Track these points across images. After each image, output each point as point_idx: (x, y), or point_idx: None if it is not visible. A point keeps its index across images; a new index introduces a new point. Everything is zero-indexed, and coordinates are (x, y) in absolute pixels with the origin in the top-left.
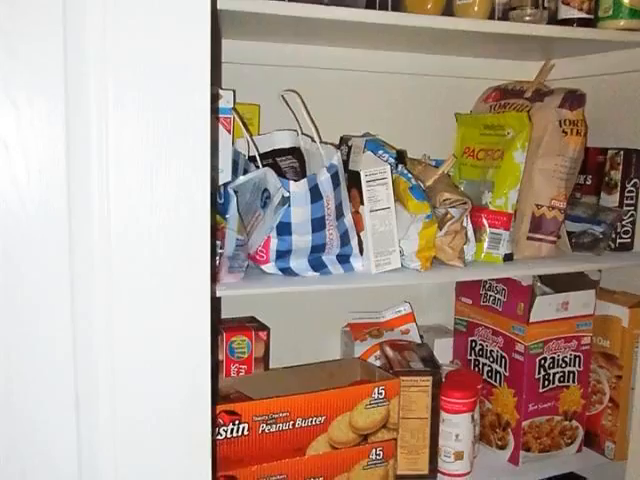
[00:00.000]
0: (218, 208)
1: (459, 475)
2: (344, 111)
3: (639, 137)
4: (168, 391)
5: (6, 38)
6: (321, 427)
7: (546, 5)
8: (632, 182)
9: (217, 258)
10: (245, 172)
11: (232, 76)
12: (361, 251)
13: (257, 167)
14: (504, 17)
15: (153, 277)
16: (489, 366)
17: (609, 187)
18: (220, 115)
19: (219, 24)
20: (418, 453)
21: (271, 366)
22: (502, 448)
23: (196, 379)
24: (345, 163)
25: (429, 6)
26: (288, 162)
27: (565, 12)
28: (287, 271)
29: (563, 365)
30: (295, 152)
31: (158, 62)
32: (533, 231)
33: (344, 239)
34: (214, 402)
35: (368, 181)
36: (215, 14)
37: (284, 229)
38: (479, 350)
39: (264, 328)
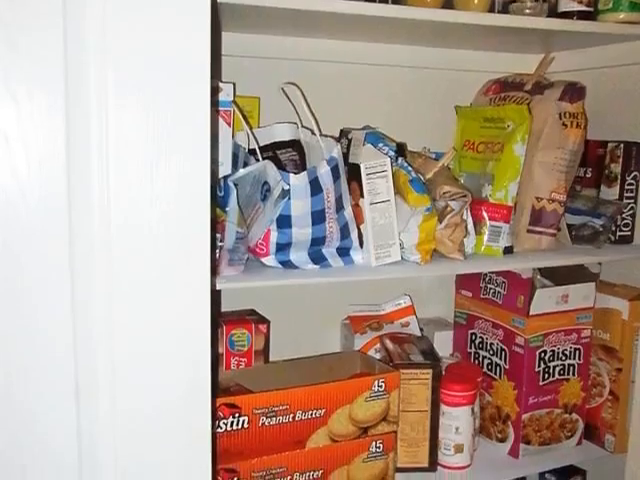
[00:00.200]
0: (218, 201)
1: (459, 468)
2: (344, 104)
3: (639, 130)
4: (168, 384)
5: (6, 30)
6: (321, 420)
7: None
8: (632, 175)
9: (217, 251)
10: (245, 165)
11: (232, 69)
12: (361, 244)
13: (257, 160)
14: (504, 10)
15: (153, 270)
16: (489, 359)
17: (609, 180)
18: (220, 108)
19: (219, 17)
20: (418, 446)
21: (271, 359)
22: (502, 441)
23: (196, 372)
24: (345, 156)
25: None
26: (288, 155)
27: (565, 5)
28: (287, 264)
29: (563, 358)
30: (295, 145)
31: (158, 55)
32: (533, 224)
33: (344, 232)
34: (214, 395)
35: (368, 174)
36: (215, 6)
37: (284, 222)
38: (479, 343)
39: (264, 321)
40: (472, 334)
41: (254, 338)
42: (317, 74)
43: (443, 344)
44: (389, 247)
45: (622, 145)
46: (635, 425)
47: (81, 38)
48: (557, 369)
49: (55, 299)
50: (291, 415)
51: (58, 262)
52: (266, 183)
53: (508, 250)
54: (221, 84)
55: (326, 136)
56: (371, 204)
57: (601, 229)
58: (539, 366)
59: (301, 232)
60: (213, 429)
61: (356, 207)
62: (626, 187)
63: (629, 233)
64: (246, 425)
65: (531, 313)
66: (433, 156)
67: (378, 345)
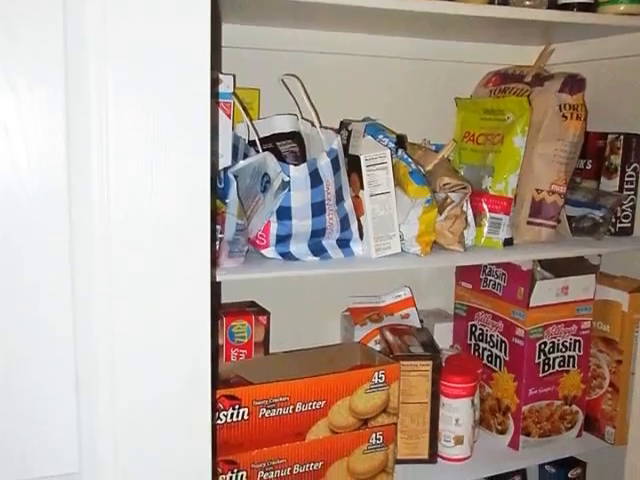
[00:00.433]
0: (218, 193)
1: (459, 459)
2: (344, 95)
3: (639, 121)
4: (168, 375)
5: (6, 23)
6: (321, 412)
7: None
8: (632, 166)
9: (217, 243)
10: (245, 157)
11: (232, 60)
12: (361, 235)
13: (257, 151)
14: (504, 2)
15: (153, 261)
16: (489, 351)
17: (609, 172)
18: (220, 100)
19: (219, 8)
20: (418, 438)
21: (271, 351)
22: (502, 433)
23: (196, 363)
24: (345, 148)
25: None
26: (288, 146)
27: None
28: (287, 256)
29: (563, 350)
30: (295, 136)
31: (158, 46)
32: (533, 216)
33: (344, 223)
34: (214, 387)
35: (368, 166)
36: None
37: (284, 213)
38: (479, 335)
39: (264, 312)
40: (472, 326)
41: (254, 330)
42: (317, 66)
43: (443, 336)
44: (389, 239)
45: (622, 137)
46: (635, 417)
47: (81, 31)
48: (557, 361)
49: (55, 291)
50: (291, 407)
51: (58, 254)
52: (266, 175)
53: (508, 242)
54: (221, 76)
55: (326, 128)
56: (371, 196)
57: (601, 221)
58: (539, 358)
59: (301, 224)
60: (213, 421)
61: (356, 199)
62: (626, 179)
63: (629, 225)
64: (246, 417)
65: (531, 305)
66: (433, 148)
67: (378, 337)
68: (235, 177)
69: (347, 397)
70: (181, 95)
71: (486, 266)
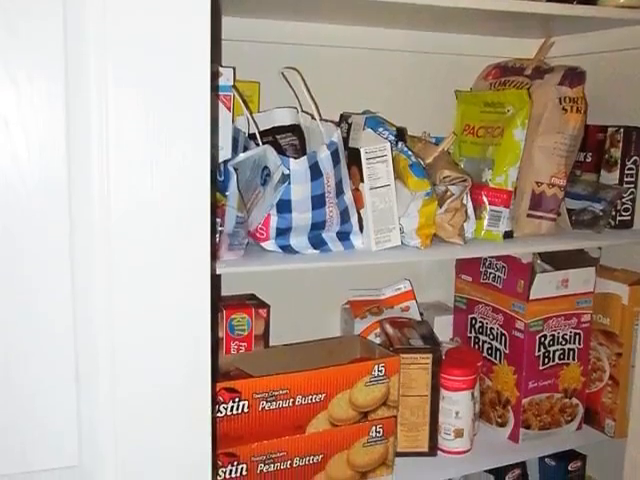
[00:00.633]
0: (218, 185)
1: (459, 452)
2: (344, 88)
3: (639, 114)
4: (168, 368)
5: (6, 16)
6: (321, 404)
7: None
8: (632, 159)
9: (217, 235)
10: (245, 149)
11: (232, 53)
12: (361, 228)
13: (257, 144)
14: None
15: (153, 254)
16: (489, 343)
17: (609, 165)
18: (220, 93)
19: (219, 1)
20: (418, 430)
21: (271, 343)
22: (502, 425)
23: (196, 356)
24: (345, 140)
25: None
26: (288, 139)
27: None
28: (287, 248)
29: (563, 342)
30: (295, 129)
31: (158, 39)
32: (533, 208)
33: (344, 216)
34: (214, 379)
35: (368, 158)
36: None
37: (284, 206)
38: (479, 327)
39: (264, 305)
40: (472, 319)
41: (254, 322)
42: (317, 59)
43: (443, 329)
44: (389, 232)
45: (622, 130)
46: (635, 410)
47: (81, 24)
48: (557, 354)
49: (55, 283)
50: (291, 400)
51: (58, 247)
52: (266, 168)
53: (508, 235)
54: (221, 69)
55: (326, 121)
56: (371, 189)
57: (601, 214)
58: (539, 351)
59: (301, 217)
60: (213, 413)
61: (356, 192)
62: (626, 172)
63: (629, 218)
64: (246, 409)
65: (531, 298)
66: (433, 141)
67: (378, 330)
68: (235, 170)
69: (347, 390)
70: (181, 88)
71: (486, 259)
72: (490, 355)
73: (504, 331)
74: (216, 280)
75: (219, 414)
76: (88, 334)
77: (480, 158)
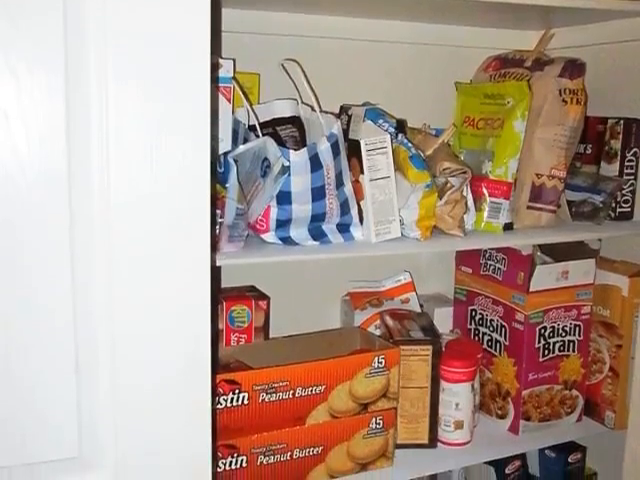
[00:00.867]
0: (218, 177)
1: (459, 444)
2: (344, 80)
3: (639, 106)
4: (168, 360)
5: (7, 8)
6: (321, 396)
7: None
8: (632, 151)
9: (217, 227)
10: (245, 141)
11: (232, 45)
12: (361, 220)
13: (257, 136)
14: None
15: (153, 246)
16: (489, 335)
17: (609, 156)
18: (220, 84)
19: None
20: (418, 422)
21: (271, 335)
22: (502, 417)
23: (196, 348)
24: (345, 132)
25: None
26: (288, 131)
27: None
28: (287, 240)
29: (563, 334)
30: (295, 121)
31: (158, 31)
32: (533, 200)
33: (344, 208)
34: (214, 371)
35: (368, 150)
36: None
37: (284, 198)
38: (479, 319)
39: (264, 297)
40: (472, 310)
41: (254, 314)
42: (317, 50)
43: (443, 320)
44: (389, 223)
45: (622, 121)
46: (635, 401)
47: (81, 17)
48: (557, 345)
49: (55, 276)
50: (291, 391)
51: (58, 239)
52: (266, 159)
53: (508, 226)
54: (221, 60)
55: (326, 112)
56: (371, 180)
57: (601, 205)
58: (539, 342)
59: (301, 208)
60: (213, 405)
61: (356, 183)
62: (626, 163)
63: (629, 209)
64: (246, 401)
65: (531, 289)
66: (433, 132)
67: (378, 321)
68: (235, 162)
69: (347, 382)
70: (181, 80)
71: (486, 251)
72: (490, 347)
73: (504, 323)
74: (216, 272)
75: (219, 406)
76: (88, 326)
77: (480, 150)
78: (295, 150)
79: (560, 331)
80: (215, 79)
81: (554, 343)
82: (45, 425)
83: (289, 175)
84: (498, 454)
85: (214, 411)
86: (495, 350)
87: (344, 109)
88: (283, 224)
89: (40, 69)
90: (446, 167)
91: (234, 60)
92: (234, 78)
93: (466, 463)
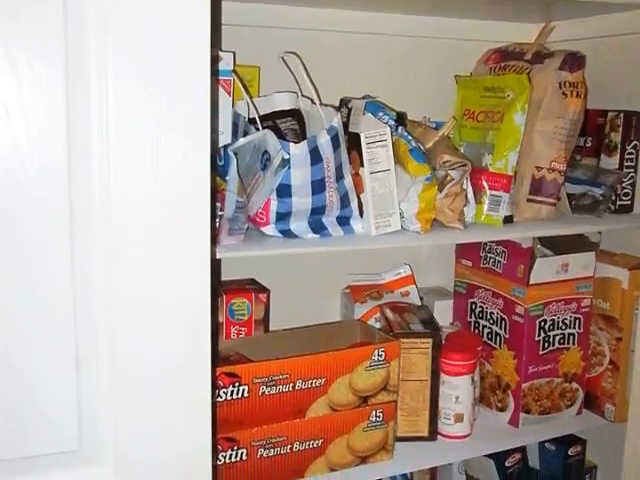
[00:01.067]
0: (218, 170)
1: (459, 437)
2: (344, 73)
3: (639, 99)
4: (168, 353)
5: (6, 1)
6: (321, 389)
7: None
8: (632, 144)
9: (217, 220)
10: (245, 134)
11: (232, 38)
12: (361, 213)
13: (257, 129)
14: None
15: (153, 239)
16: (489, 328)
17: (609, 149)
18: (220, 77)
19: None
20: (418, 415)
21: (271, 328)
22: (502, 410)
23: (196, 341)
24: (345, 125)
25: None
26: (288, 124)
27: None
28: (287, 233)
29: (563, 327)
30: (295, 114)
31: (158, 24)
32: (533, 193)
33: (344, 201)
34: (214, 364)
35: (368, 143)
36: None
37: (284, 191)
38: (479, 312)
39: (264, 290)
40: (472, 303)
41: (254, 307)
42: (317, 43)
43: (443, 313)
44: (389, 216)
45: (622, 114)
46: (635, 394)
47: (81, 10)
48: (557, 338)
49: (55, 270)
50: (291, 384)
51: (58, 232)
52: (266, 152)
53: (508, 219)
54: (221, 53)
55: (326, 105)
56: (371, 173)
57: (601, 198)
58: (539, 335)
59: (301, 201)
60: (213, 398)
61: (356, 176)
62: (626, 156)
63: (629, 202)
64: (246, 394)
65: (531, 282)
66: (433, 125)
67: (378, 314)
68: (235, 154)
69: (347, 375)
70: (181, 73)
71: (486, 243)
72: (490, 340)
73: (504, 316)
74: (216, 265)
75: (219, 399)
76: (88, 320)
77: (480, 143)
78: (295, 143)
79: (560, 324)
80: (215, 72)
81: (554, 336)
82: (45, 418)
83: (289, 168)
84: (498, 447)
85: (214, 404)
86: (495, 343)
87: (344, 102)
88: (283, 217)
89: (40, 62)
90: (446, 160)
91: (234, 53)
92: (234, 71)
93: (466, 456)
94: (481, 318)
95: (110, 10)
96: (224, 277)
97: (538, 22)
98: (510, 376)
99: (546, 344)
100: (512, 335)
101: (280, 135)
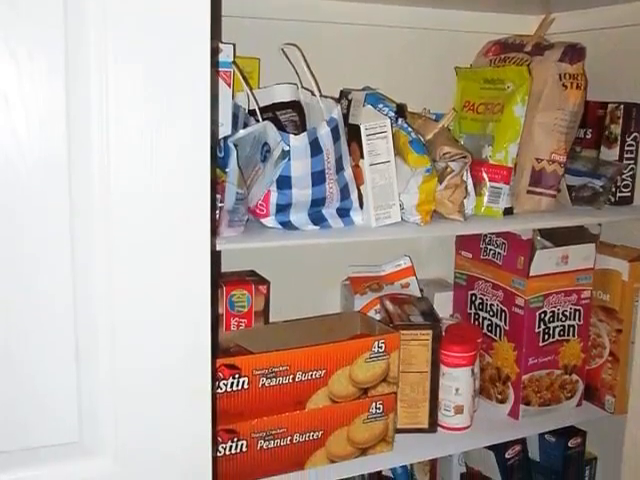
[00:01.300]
0: (218, 162)
1: (459, 429)
2: (344, 65)
3: (639, 91)
4: (168, 344)
5: None
6: (321, 381)
7: None
8: (632, 136)
9: (217, 212)
10: (245, 126)
11: (232, 30)
12: (361, 205)
13: (257, 121)
14: None
15: (153, 230)
16: (489, 320)
17: (609, 141)
18: (220, 69)
19: None
20: (418, 407)
21: (271, 320)
22: (502, 402)
23: (196, 332)
24: (345, 117)
25: None
26: (288, 116)
27: None
28: (287, 225)
29: (563, 319)
30: (295, 106)
31: (158, 15)
32: (533, 185)
33: (344, 193)
34: (214, 356)
35: (368, 135)
36: None
37: (284, 183)
38: (479, 304)
39: (264, 282)
40: (472, 295)
41: (254, 299)
42: (317, 35)
43: (443, 305)
44: (389, 208)
45: (622, 106)
46: (635, 386)
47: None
48: (557, 330)
49: (55, 262)
50: (291, 376)
51: (58, 223)
52: (266, 144)
53: (508, 211)
54: (221, 45)
55: (326, 97)
56: (371, 165)
57: (601, 190)
58: (539, 327)
59: (301, 193)
60: (213, 390)
61: (356, 168)
62: (626, 148)
63: (629, 194)
64: (246, 386)
65: (531, 274)
66: (433, 117)
67: (378, 306)
68: (235, 146)
69: (347, 366)
70: (181, 64)
71: (486, 235)
72: (490, 331)
73: (504, 307)
74: (216, 256)
75: (219, 390)
76: (88, 312)
77: (480, 134)
78: (295, 135)
79: (560, 316)
80: (215, 64)
81: (554, 328)
82: (45, 410)
83: (289, 160)
84: (498, 439)
85: (214, 396)
86: (495, 335)
87: (344, 94)
88: (283, 209)
89: (40, 52)
90: (446, 152)
91: (234, 45)
92: (234, 63)
93: (466, 448)
94: (481, 310)
95: (110, 0)
96: (224, 269)
97: (538, 14)
98: (510, 368)
99: (546, 336)
100: (512, 327)
101: (280, 127)
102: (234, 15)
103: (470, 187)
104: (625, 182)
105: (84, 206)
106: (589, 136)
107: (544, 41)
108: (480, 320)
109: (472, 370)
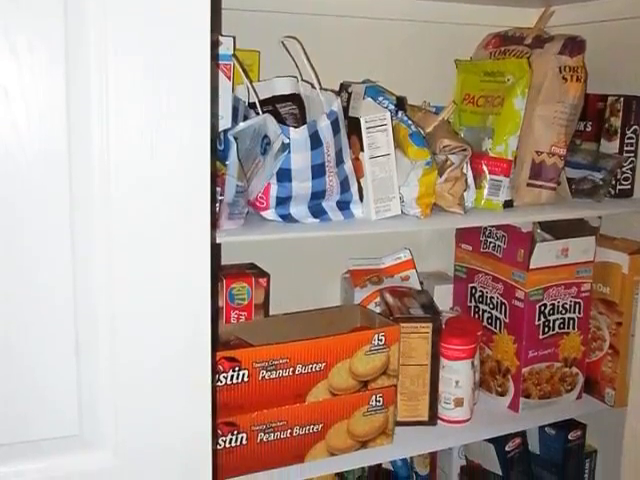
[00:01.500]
0: (218, 154)
1: (459, 421)
2: (344, 58)
3: (639, 83)
4: (168, 337)
5: None
6: (321, 374)
7: None
8: (632, 129)
9: (217, 205)
10: (245, 118)
11: (232, 22)
12: (361, 198)
13: (257, 113)
14: None
15: (153, 223)
16: (489, 313)
17: (609, 134)
18: (220, 62)
19: None
20: (418, 400)
21: (271, 313)
22: (502, 395)
23: (196, 325)
24: (345, 110)
25: None
26: (288, 109)
27: None
28: (287, 218)
29: (563, 312)
30: (295, 99)
31: (158, 8)
32: (533, 178)
33: (344, 186)
34: (214, 348)
35: (368, 128)
36: None
37: (284, 176)
38: (479, 297)
39: (264, 275)
40: (472, 288)
41: (254, 292)
42: (317, 28)
43: (443, 298)
44: (389, 201)
45: (622, 99)
46: (635, 379)
47: None
48: (557, 323)
49: (55, 254)
50: (291, 369)
51: (58, 216)
52: (266, 137)
53: (508, 204)
54: (221, 38)
55: (326, 90)
56: (371, 158)
57: (601, 183)
58: (539, 320)
59: (301, 186)
60: (213, 383)
61: (356, 161)
62: (626, 141)
63: (629, 187)
64: (246, 379)
65: (531, 267)
66: (433, 110)
67: (378, 299)
68: (235, 139)
69: (347, 359)
70: (181, 57)
71: (486, 228)
72: (490, 324)
73: (504, 300)
74: (216, 249)
75: (219, 383)
76: (88, 304)
77: (480, 127)
78: (295, 127)
79: (560, 308)
80: (215, 56)
81: (554, 320)
82: (45, 403)
83: (289, 152)
84: (498, 432)
85: (214, 388)
86: (495, 327)
87: (344, 86)
88: (283, 201)
89: (40, 45)
90: (446, 144)
91: (234, 37)
92: (234, 55)
93: (466, 441)
94: (481, 302)
95: None
96: (224, 261)
97: (538, 7)
98: (510, 361)
99: (546, 329)
100: (512, 320)
101: (280, 120)
102: (234, 8)
103: (470, 180)
104: (625, 175)
105: (84, 198)
106: (589, 129)
107: (544, 34)
108: (480, 313)
109: (472, 363)
